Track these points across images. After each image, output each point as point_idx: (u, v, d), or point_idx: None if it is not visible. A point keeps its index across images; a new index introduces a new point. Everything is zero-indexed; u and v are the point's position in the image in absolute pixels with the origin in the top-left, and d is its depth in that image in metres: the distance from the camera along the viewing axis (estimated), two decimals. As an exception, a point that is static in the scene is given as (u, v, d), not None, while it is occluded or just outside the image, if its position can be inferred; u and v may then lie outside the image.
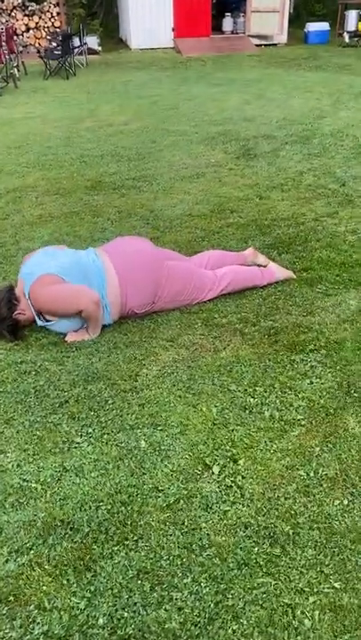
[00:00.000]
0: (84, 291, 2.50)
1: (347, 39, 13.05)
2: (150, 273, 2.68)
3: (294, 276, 3.08)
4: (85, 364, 2.41)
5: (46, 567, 1.57)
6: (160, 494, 1.77)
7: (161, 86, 9.08)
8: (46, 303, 2.50)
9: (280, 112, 6.93)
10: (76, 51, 11.17)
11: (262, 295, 2.93)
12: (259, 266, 3.08)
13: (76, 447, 1.97)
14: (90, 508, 1.73)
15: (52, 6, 12.96)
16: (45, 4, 12.95)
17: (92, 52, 12.65)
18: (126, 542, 1.63)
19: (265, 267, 3.07)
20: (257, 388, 2.23)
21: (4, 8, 12.81)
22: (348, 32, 13.12)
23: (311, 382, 2.25)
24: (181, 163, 5.13)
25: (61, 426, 2.06)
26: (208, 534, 1.64)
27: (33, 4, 12.96)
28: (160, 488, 1.79)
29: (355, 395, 2.17)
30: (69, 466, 1.89)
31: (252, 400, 2.16)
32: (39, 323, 2.60)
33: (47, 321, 2.57)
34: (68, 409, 2.14)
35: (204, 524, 1.67)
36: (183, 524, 1.68)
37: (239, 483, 1.80)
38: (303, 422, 2.04)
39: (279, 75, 9.84)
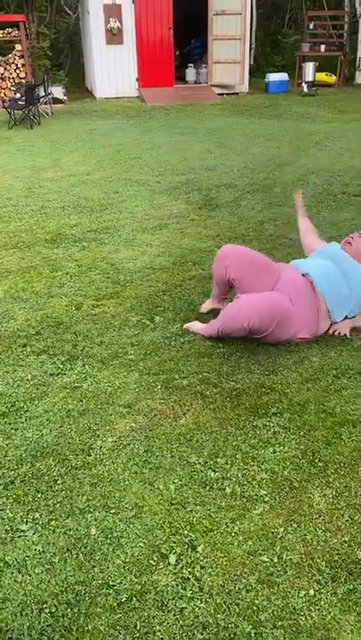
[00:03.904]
0: None
1: (305, 89, 13.54)
2: None
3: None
4: (35, 437, 2.25)
5: None
6: (111, 591, 1.61)
7: (125, 135, 9.18)
8: None
9: (241, 160, 7.04)
10: (41, 100, 11.29)
11: (225, 353, 2.84)
12: None
13: (20, 536, 1.80)
14: (32, 611, 1.56)
15: (18, 58, 13.15)
16: (10, 56, 13.13)
17: (57, 101, 12.80)
18: (71, 653, 1.46)
19: None
20: (218, 460, 2.10)
21: (-30, 60, 12.94)
22: (306, 82, 13.62)
23: (275, 451, 2.14)
24: (144, 214, 5.10)
25: (5, 512, 1.89)
26: (162, 639, 1.48)
27: (-1, 56, 13.14)
28: (111, 583, 1.63)
29: (319, 464, 2.06)
30: (11, 560, 1.71)
31: (212, 474, 2.03)
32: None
33: None
34: (13, 491, 1.98)
35: (158, 627, 1.51)
36: (135, 627, 1.52)
37: (197, 574, 1.65)
38: (266, 498, 1.91)
39: (241, 123, 10.08)
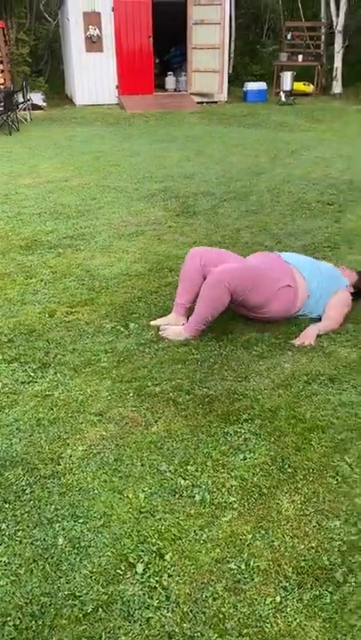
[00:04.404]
0: None
1: (283, 98, 13.71)
2: None
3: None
4: (4, 446, 2.22)
5: None
6: (76, 602, 1.59)
7: (104, 142, 9.18)
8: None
9: (219, 169, 7.09)
10: (20, 106, 11.25)
11: (198, 359, 2.85)
12: None
13: (-14, 548, 1.77)
14: (-5, 624, 1.54)
15: (-4, 64, 13.09)
16: (-11, 61, 13.06)
17: (36, 107, 12.77)
18: (34, 666, 1.44)
19: None
20: (188, 467, 2.10)
21: None
22: (284, 91, 13.79)
23: (245, 458, 2.14)
24: (121, 220, 5.10)
25: (-29, 523, 1.86)
26: (128, 649, 1.47)
27: (-23, 62, 13.05)
28: (77, 594, 1.61)
29: (288, 470, 2.07)
30: (-24, 572, 1.69)
31: (182, 482, 2.02)
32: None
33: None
34: (-20, 501, 1.95)
35: (123, 637, 1.50)
36: (100, 638, 1.50)
37: (165, 583, 1.64)
38: (235, 505, 1.91)
39: (219, 132, 10.16)
